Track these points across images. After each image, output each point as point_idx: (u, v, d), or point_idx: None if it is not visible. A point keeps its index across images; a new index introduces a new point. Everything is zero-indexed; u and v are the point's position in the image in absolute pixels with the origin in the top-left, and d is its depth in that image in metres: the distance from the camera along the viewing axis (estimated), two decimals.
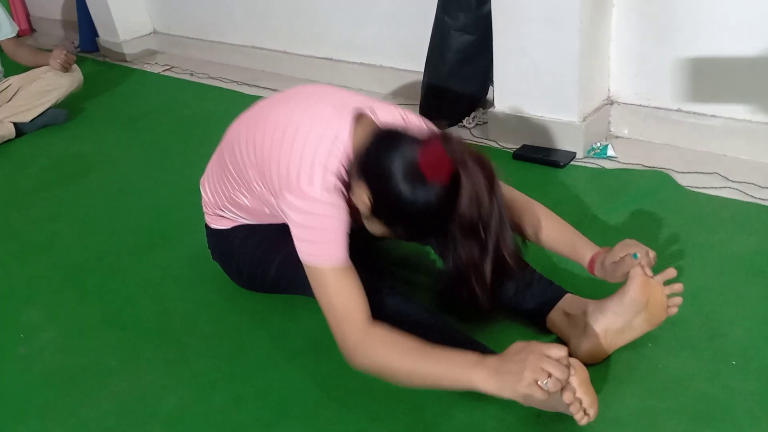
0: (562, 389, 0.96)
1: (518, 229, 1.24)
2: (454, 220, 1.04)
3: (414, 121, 1.21)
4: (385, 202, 1.07)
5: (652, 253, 1.14)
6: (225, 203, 1.37)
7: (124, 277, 1.64)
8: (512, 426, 1.09)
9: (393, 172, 1.03)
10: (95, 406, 1.24)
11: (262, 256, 1.36)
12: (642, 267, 1.12)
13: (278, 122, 1.18)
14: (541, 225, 1.25)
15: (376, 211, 1.10)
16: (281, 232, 1.36)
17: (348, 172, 1.11)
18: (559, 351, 0.96)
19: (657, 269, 1.15)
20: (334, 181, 1.10)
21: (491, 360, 1.00)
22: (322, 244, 1.11)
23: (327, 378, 1.23)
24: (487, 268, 1.08)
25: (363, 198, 1.09)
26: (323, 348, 1.30)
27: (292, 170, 1.12)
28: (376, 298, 1.17)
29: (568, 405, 0.98)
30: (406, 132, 1.08)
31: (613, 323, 1.13)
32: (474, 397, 1.13)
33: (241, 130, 1.26)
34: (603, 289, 1.20)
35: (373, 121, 1.15)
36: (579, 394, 0.98)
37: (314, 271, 1.13)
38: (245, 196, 1.31)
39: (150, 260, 1.69)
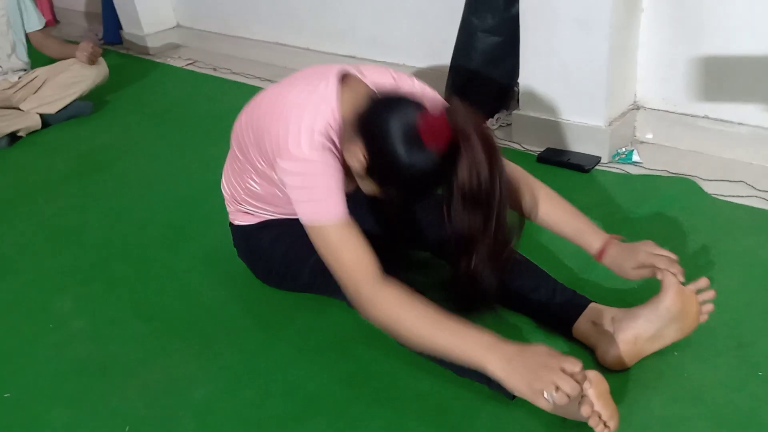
0: (581, 402, 0.97)
1: (515, 205, 1.25)
2: (455, 190, 1.05)
3: (406, 81, 1.25)
4: (380, 162, 1.09)
5: (674, 256, 1.15)
6: (242, 195, 1.40)
7: (151, 268, 1.67)
8: (536, 431, 1.09)
9: (391, 132, 1.05)
10: (126, 395, 1.27)
11: (295, 259, 1.37)
12: (675, 275, 1.12)
13: (271, 98, 1.24)
14: (541, 202, 1.25)
15: (371, 170, 1.12)
16: None
17: (342, 130, 1.14)
18: (573, 366, 0.97)
19: (686, 278, 1.15)
20: (321, 141, 1.13)
21: (507, 347, 1.01)
22: (319, 201, 1.13)
23: (353, 376, 1.25)
24: (490, 241, 1.10)
25: (358, 156, 1.11)
26: (350, 346, 1.32)
27: (281, 136, 1.16)
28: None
29: (587, 418, 0.99)
30: (409, 96, 1.11)
31: (645, 331, 1.14)
32: (500, 400, 1.14)
33: (243, 115, 1.32)
34: (626, 299, 1.21)
35: (360, 81, 1.19)
36: (597, 407, 0.98)
37: (317, 231, 1.15)
38: (255, 181, 1.34)
39: (177, 253, 1.71)
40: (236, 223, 1.47)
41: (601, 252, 1.21)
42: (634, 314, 1.15)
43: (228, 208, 1.49)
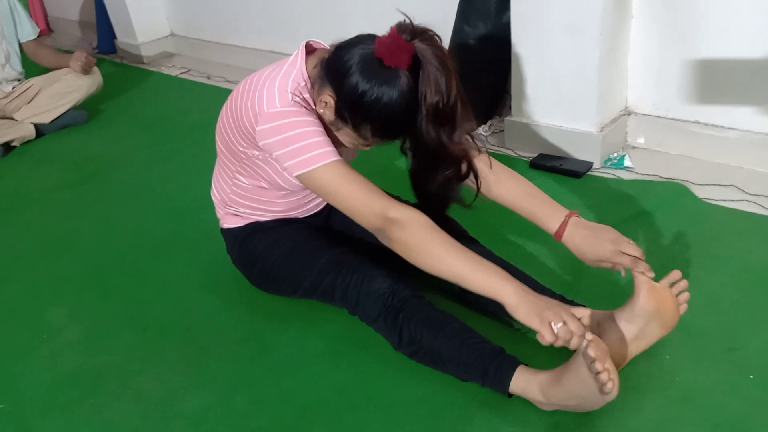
0: (588, 345, 0.99)
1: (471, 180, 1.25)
2: (423, 110, 1.07)
3: None
4: (347, 97, 1.11)
5: (638, 253, 1.16)
6: (230, 195, 1.42)
7: (145, 277, 1.67)
8: None
9: (352, 63, 1.09)
10: (120, 405, 1.27)
11: (296, 264, 1.37)
12: (644, 273, 1.14)
13: (245, 83, 1.28)
14: (500, 178, 1.25)
15: (340, 110, 1.14)
16: (310, 239, 1.38)
17: (312, 90, 1.17)
18: (583, 311, 1.03)
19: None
20: (293, 97, 1.16)
21: (524, 285, 1.06)
22: (305, 146, 1.15)
23: (347, 383, 1.25)
24: (454, 154, 1.14)
25: (327, 100, 1.14)
26: (343, 354, 1.32)
27: (257, 105, 1.19)
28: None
29: (593, 360, 0.99)
30: (366, 34, 1.14)
31: (628, 333, 1.15)
32: (493, 406, 1.14)
33: (222, 111, 1.35)
34: (617, 301, 1.21)
35: (326, 48, 1.22)
36: (600, 353, 1.00)
37: (317, 177, 1.16)
38: (241, 174, 1.36)
39: (170, 261, 1.71)
40: (226, 226, 1.48)
41: (560, 232, 1.22)
42: (614, 318, 1.17)
43: (218, 214, 1.50)
